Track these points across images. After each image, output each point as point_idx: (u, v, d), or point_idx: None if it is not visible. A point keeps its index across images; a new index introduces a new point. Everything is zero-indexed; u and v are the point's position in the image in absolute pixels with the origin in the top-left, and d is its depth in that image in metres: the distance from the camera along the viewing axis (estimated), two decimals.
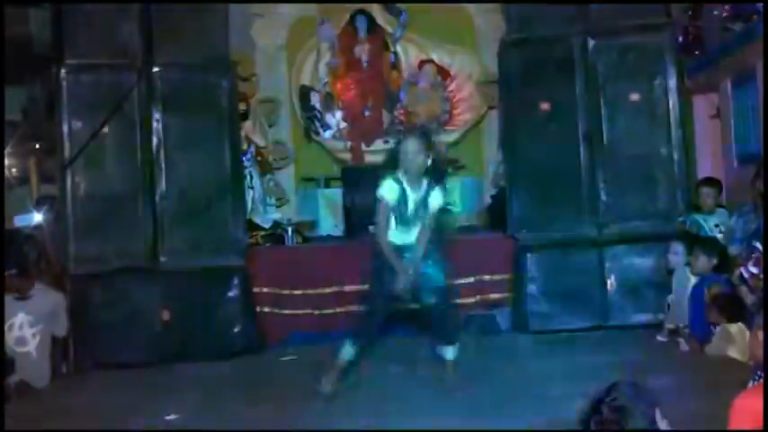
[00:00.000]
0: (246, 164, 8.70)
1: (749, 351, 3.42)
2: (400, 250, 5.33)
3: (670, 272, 6.75)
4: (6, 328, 6.17)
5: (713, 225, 6.92)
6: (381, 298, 5.38)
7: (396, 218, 5.31)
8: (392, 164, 5.36)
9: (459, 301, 7.60)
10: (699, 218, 7.00)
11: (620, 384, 2.61)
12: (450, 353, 5.61)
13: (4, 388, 5.54)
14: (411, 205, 5.30)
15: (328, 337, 7.25)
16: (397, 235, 5.34)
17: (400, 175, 5.30)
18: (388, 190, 5.28)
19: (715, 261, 6.23)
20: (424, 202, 5.30)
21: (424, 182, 5.32)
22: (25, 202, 10.52)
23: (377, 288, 5.41)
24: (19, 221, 8.55)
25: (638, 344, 6.50)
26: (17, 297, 6.30)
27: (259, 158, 9.35)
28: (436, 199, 5.34)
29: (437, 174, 5.39)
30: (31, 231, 7.76)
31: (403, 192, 5.29)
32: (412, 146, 5.28)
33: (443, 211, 5.65)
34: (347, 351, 5.44)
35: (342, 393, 5.48)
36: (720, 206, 7.16)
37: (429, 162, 5.30)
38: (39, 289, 6.44)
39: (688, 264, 6.46)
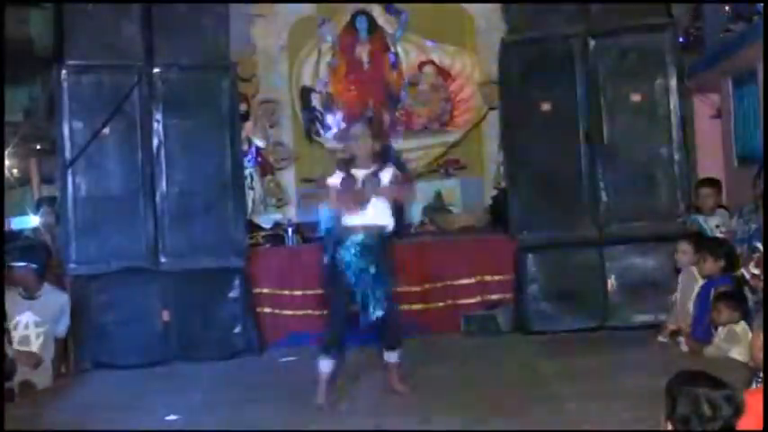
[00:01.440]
0: (247, 164, 8.70)
1: (750, 353, 3.41)
2: (350, 232, 5.26)
3: (677, 271, 6.74)
4: (12, 326, 6.19)
5: (714, 226, 6.92)
6: (339, 295, 5.31)
7: (345, 200, 5.30)
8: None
9: (459, 301, 7.67)
10: (699, 218, 7.00)
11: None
12: (393, 357, 5.52)
13: (4, 388, 5.54)
14: (359, 183, 5.32)
15: None
16: (349, 218, 5.29)
17: (348, 168, 5.39)
18: (332, 177, 5.43)
19: (723, 263, 6.21)
20: (374, 177, 5.31)
21: (375, 165, 5.39)
22: (26, 203, 10.55)
23: (333, 287, 5.37)
24: (16, 224, 8.57)
25: (639, 344, 6.49)
26: (25, 296, 6.33)
27: (260, 159, 9.35)
28: (387, 174, 5.36)
29: (385, 156, 5.53)
30: (30, 233, 7.79)
31: (348, 174, 5.35)
32: (356, 130, 5.51)
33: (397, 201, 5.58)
34: (324, 364, 5.37)
35: (349, 393, 5.48)
36: (721, 206, 7.15)
37: (378, 147, 5.45)
38: (47, 290, 6.49)
39: (695, 264, 6.44)
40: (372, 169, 5.36)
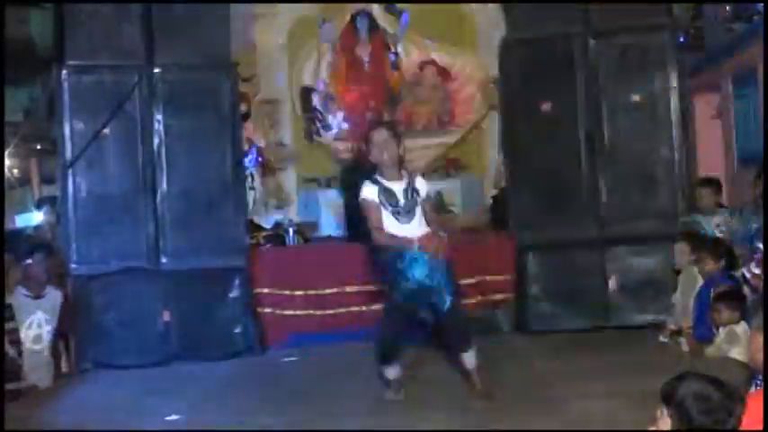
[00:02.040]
0: (248, 164, 8.70)
1: (749, 354, 3.40)
2: (404, 242, 5.09)
3: (677, 271, 6.74)
4: (25, 326, 6.28)
5: (715, 225, 6.91)
6: (401, 295, 5.13)
7: (390, 214, 5.12)
8: (350, 175, 5.26)
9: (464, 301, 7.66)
10: (700, 218, 7.00)
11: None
12: (470, 358, 5.31)
13: (4, 388, 5.55)
14: (400, 196, 5.14)
15: (329, 338, 7.28)
16: (400, 230, 5.12)
17: (375, 175, 5.20)
18: (367, 191, 5.16)
19: (723, 263, 6.21)
20: (412, 190, 5.16)
21: (403, 172, 5.22)
22: (26, 203, 10.56)
23: (394, 286, 5.17)
24: (20, 221, 8.58)
25: (640, 344, 6.49)
26: (31, 296, 6.37)
27: (260, 159, 9.35)
28: (422, 185, 5.22)
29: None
30: (32, 231, 7.81)
31: (383, 187, 5.14)
32: (379, 136, 5.20)
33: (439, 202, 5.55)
34: (390, 372, 5.33)
35: (348, 394, 5.48)
36: (721, 206, 7.15)
37: (402, 150, 5.22)
38: (49, 288, 6.55)
39: (694, 263, 6.44)
40: (405, 180, 5.18)
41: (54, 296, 6.62)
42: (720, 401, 2.59)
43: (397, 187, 5.15)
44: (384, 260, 5.19)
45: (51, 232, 7.72)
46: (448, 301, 5.11)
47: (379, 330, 5.46)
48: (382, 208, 5.11)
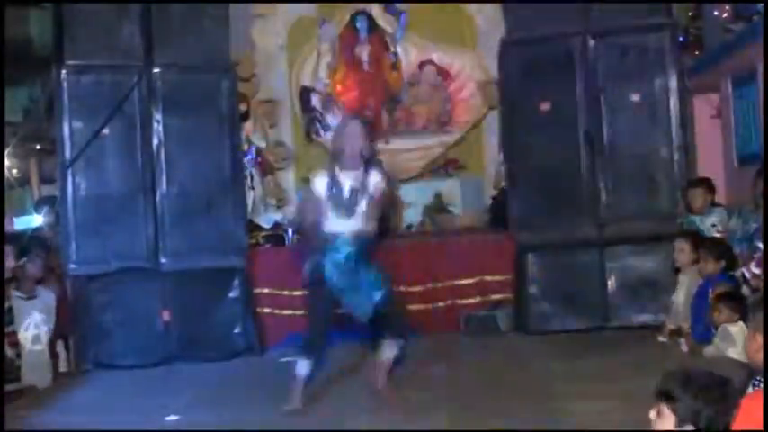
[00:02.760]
0: (247, 164, 8.69)
1: (747, 354, 3.40)
2: (338, 238, 5.15)
3: (676, 270, 6.73)
4: (23, 328, 6.28)
5: (710, 225, 6.90)
6: (322, 299, 5.23)
7: (332, 206, 5.16)
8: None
9: (459, 301, 7.66)
10: (695, 218, 6.99)
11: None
12: (389, 348, 5.34)
13: (4, 388, 5.55)
14: (346, 192, 5.17)
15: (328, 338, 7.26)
16: (336, 224, 5.18)
17: (333, 166, 5.25)
18: (316, 182, 5.24)
19: (724, 263, 6.20)
20: (362, 186, 5.18)
21: (361, 167, 5.22)
22: (26, 203, 10.54)
23: (316, 295, 5.28)
24: (19, 223, 8.57)
25: (639, 344, 6.49)
26: (25, 297, 6.37)
27: (259, 159, 9.34)
28: (375, 180, 5.22)
29: (371, 159, 5.33)
30: (33, 233, 7.80)
31: (334, 180, 5.19)
32: (353, 128, 5.29)
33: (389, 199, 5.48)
34: (301, 366, 5.32)
35: (340, 395, 5.47)
36: (716, 205, 7.14)
37: (369, 148, 5.26)
38: (39, 288, 6.53)
39: (694, 262, 6.44)
40: (359, 174, 5.20)
41: (46, 296, 6.62)
42: (721, 394, 2.60)
43: (349, 182, 5.18)
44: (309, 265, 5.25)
45: (51, 233, 7.71)
46: (377, 295, 5.15)
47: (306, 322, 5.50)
48: (326, 203, 5.17)
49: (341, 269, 5.12)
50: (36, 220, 8.32)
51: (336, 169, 5.23)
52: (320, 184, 5.24)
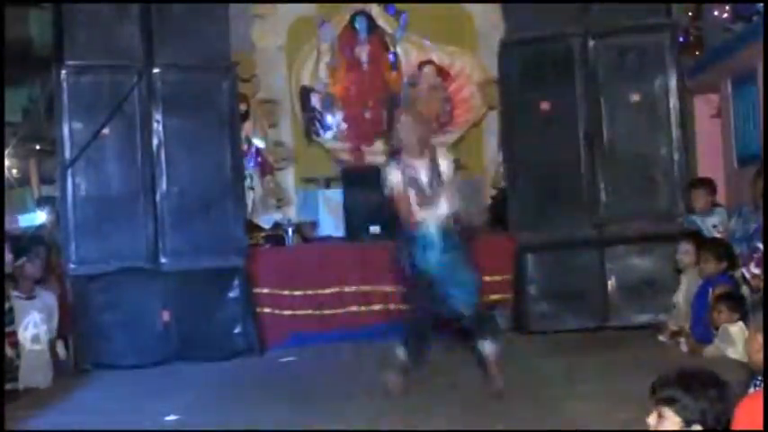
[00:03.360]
0: (247, 165, 8.70)
1: (748, 354, 3.40)
2: (427, 227, 5.15)
3: (679, 271, 6.73)
4: (22, 328, 6.26)
5: (711, 225, 6.91)
6: (423, 293, 5.21)
7: (414, 195, 5.16)
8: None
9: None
10: (696, 219, 6.99)
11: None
12: (489, 345, 5.30)
13: (5, 388, 5.55)
14: (424, 178, 5.18)
15: (328, 338, 7.28)
16: (422, 213, 5.18)
17: (399, 159, 5.25)
18: (391, 175, 5.23)
19: (725, 264, 6.20)
20: (436, 171, 5.19)
21: (427, 156, 5.24)
22: (26, 203, 10.54)
23: (415, 282, 5.27)
24: (23, 221, 8.56)
25: (639, 344, 6.49)
26: (24, 297, 6.37)
27: (259, 159, 9.35)
28: (446, 163, 5.25)
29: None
30: (35, 232, 7.80)
31: (408, 169, 5.19)
32: (407, 120, 5.31)
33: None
34: (400, 352, 5.35)
35: (348, 395, 5.47)
36: (717, 205, 7.15)
37: (425, 132, 5.31)
38: (38, 289, 6.53)
39: (696, 263, 6.44)
40: (428, 162, 5.20)
41: (46, 296, 6.61)
42: (719, 391, 2.60)
43: (422, 169, 5.19)
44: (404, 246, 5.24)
45: (50, 231, 7.71)
46: (468, 299, 5.17)
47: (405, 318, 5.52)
48: (408, 193, 5.16)
49: (437, 260, 5.12)
50: (39, 217, 8.32)
51: (405, 162, 5.23)
52: (395, 175, 5.23)
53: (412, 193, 5.18)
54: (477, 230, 5.52)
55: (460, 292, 5.18)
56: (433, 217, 5.17)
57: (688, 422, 2.58)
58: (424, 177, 5.19)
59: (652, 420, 2.67)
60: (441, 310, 5.26)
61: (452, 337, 6.08)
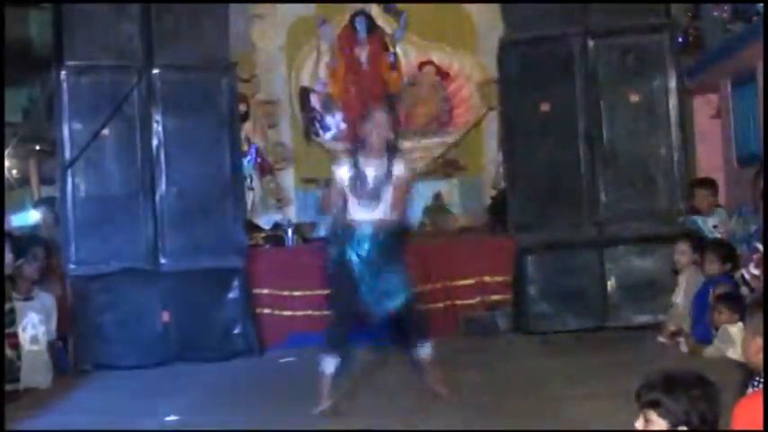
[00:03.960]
0: (246, 165, 8.70)
1: (746, 355, 3.40)
2: (360, 227, 5.12)
3: (676, 272, 6.73)
4: (21, 329, 6.26)
5: (712, 226, 6.91)
6: (346, 290, 5.16)
7: (355, 195, 5.14)
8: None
9: (458, 302, 7.65)
10: (697, 219, 6.99)
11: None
12: (423, 349, 5.30)
13: (5, 388, 5.55)
14: (371, 180, 5.14)
15: None
16: (359, 213, 5.15)
17: (357, 156, 5.22)
18: (338, 171, 5.22)
19: (729, 265, 6.20)
20: (386, 176, 5.14)
21: (385, 157, 5.19)
22: (25, 203, 10.54)
23: (339, 287, 5.26)
24: (16, 221, 8.56)
25: (639, 345, 6.49)
26: (22, 298, 6.37)
27: (259, 159, 9.35)
28: (399, 170, 5.18)
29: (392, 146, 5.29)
30: (33, 232, 7.79)
31: (358, 169, 5.16)
32: (380, 118, 5.25)
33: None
34: (328, 363, 5.18)
35: (348, 395, 5.47)
36: (718, 206, 7.15)
37: (392, 137, 5.24)
38: (37, 290, 6.54)
39: (695, 263, 6.44)
40: (383, 163, 5.15)
41: (44, 298, 6.60)
42: (703, 391, 2.60)
43: (373, 172, 5.16)
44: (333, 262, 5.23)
45: (48, 231, 7.71)
46: (400, 295, 5.12)
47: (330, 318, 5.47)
48: (349, 192, 5.15)
49: (363, 260, 5.10)
50: (32, 216, 8.31)
51: (360, 158, 5.21)
52: (342, 172, 5.21)
53: (354, 192, 5.15)
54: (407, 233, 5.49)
55: (377, 295, 5.12)
56: (369, 218, 5.13)
57: (674, 424, 2.58)
58: (371, 178, 5.16)
59: (639, 425, 2.67)
60: (368, 311, 5.20)
61: (382, 339, 6.01)
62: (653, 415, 2.62)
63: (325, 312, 7.35)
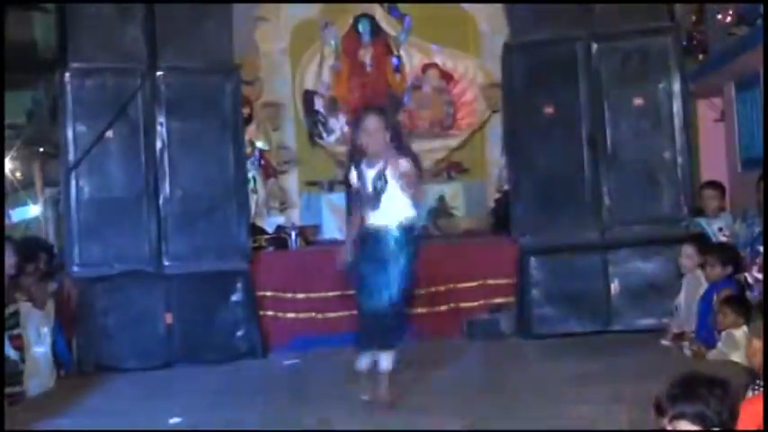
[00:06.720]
0: (250, 168, 8.70)
1: (747, 357, 3.40)
2: (374, 232, 5.20)
3: (681, 275, 6.72)
4: (25, 331, 6.27)
5: (717, 229, 6.90)
6: (366, 294, 5.26)
7: (361, 198, 5.23)
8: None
9: (462, 305, 7.64)
10: (702, 222, 6.99)
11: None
12: (384, 360, 5.24)
13: (5, 389, 5.56)
14: (370, 185, 5.18)
15: (331, 341, 7.26)
16: (367, 217, 5.24)
17: (359, 160, 5.26)
18: (351, 175, 5.31)
19: (731, 269, 6.19)
20: (380, 175, 5.14)
21: (384, 158, 5.16)
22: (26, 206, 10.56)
23: (359, 285, 5.36)
24: (16, 215, 8.57)
25: (642, 348, 6.47)
26: (26, 300, 6.37)
27: (263, 162, 9.36)
28: (395, 167, 5.11)
29: (396, 141, 5.26)
30: (32, 231, 7.80)
31: (360, 174, 5.23)
32: (371, 122, 5.22)
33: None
34: (363, 361, 5.34)
35: (350, 396, 5.47)
36: (723, 209, 7.14)
37: (388, 138, 5.21)
38: (42, 292, 6.55)
39: (699, 267, 6.43)
40: (380, 167, 5.13)
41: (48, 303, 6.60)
42: (725, 391, 2.61)
43: (371, 173, 5.19)
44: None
45: (46, 226, 7.71)
46: (387, 292, 5.15)
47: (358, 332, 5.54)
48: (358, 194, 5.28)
49: (369, 258, 5.20)
50: (32, 210, 8.31)
51: (363, 164, 5.24)
52: (352, 176, 5.32)
53: (360, 194, 5.26)
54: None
55: (380, 289, 5.17)
56: (377, 218, 5.19)
57: (707, 427, 2.58)
58: (369, 184, 5.19)
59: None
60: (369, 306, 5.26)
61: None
62: (685, 424, 2.61)
63: (332, 314, 7.49)
